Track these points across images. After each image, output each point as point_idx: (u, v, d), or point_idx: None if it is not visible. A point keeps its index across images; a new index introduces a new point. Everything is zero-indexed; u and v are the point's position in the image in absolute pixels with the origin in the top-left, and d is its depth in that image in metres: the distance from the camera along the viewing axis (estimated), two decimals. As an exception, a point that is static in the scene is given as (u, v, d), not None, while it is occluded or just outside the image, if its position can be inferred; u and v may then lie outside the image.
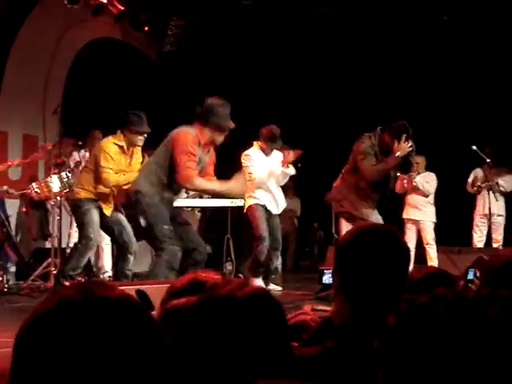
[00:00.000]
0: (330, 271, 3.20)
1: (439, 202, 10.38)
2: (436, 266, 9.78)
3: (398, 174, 9.80)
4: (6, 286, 8.99)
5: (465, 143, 10.26)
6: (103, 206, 7.94)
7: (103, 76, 11.57)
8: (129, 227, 7.86)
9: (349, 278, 2.16)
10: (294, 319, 2.36)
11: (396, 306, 1.85)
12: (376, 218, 7.79)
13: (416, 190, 10.24)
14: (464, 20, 11.37)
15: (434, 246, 10.26)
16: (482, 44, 11.47)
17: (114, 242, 8.43)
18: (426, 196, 10.25)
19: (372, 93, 12.31)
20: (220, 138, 6.55)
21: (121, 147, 7.67)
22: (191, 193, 10.40)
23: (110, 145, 7.67)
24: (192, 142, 6.35)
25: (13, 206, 10.38)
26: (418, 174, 10.19)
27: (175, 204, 9.24)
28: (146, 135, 7.63)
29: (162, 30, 12.23)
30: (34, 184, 9.40)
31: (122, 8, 11.22)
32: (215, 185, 6.62)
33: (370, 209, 7.85)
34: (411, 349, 1.60)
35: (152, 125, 7.71)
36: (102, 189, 7.84)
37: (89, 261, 10.23)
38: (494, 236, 10.69)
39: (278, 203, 9.02)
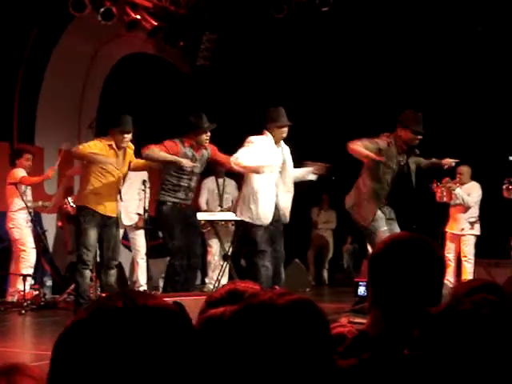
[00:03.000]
0: (365, 283, 3.17)
1: (482, 212, 9.97)
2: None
3: (435, 185, 9.47)
4: (43, 299, 9.08)
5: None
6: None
7: (137, 90, 11.67)
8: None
9: (382, 290, 2.13)
10: (332, 332, 2.33)
11: (420, 319, 1.82)
12: (382, 219, 7.56)
13: (457, 203, 9.81)
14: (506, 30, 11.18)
15: (472, 261, 9.85)
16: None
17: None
18: (467, 209, 9.80)
19: (412, 106, 12.16)
20: (201, 139, 7.96)
21: (110, 145, 8.12)
22: (225, 207, 10.42)
23: (97, 143, 8.14)
24: (168, 141, 7.97)
25: (49, 221, 10.48)
26: (462, 184, 9.72)
27: (209, 218, 9.38)
28: (128, 135, 8.18)
29: (195, 45, 12.29)
30: (69, 198, 9.49)
31: (156, 23, 11.31)
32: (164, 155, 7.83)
33: (373, 208, 7.55)
34: (447, 349, 1.57)
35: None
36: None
37: (124, 274, 10.30)
38: None
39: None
